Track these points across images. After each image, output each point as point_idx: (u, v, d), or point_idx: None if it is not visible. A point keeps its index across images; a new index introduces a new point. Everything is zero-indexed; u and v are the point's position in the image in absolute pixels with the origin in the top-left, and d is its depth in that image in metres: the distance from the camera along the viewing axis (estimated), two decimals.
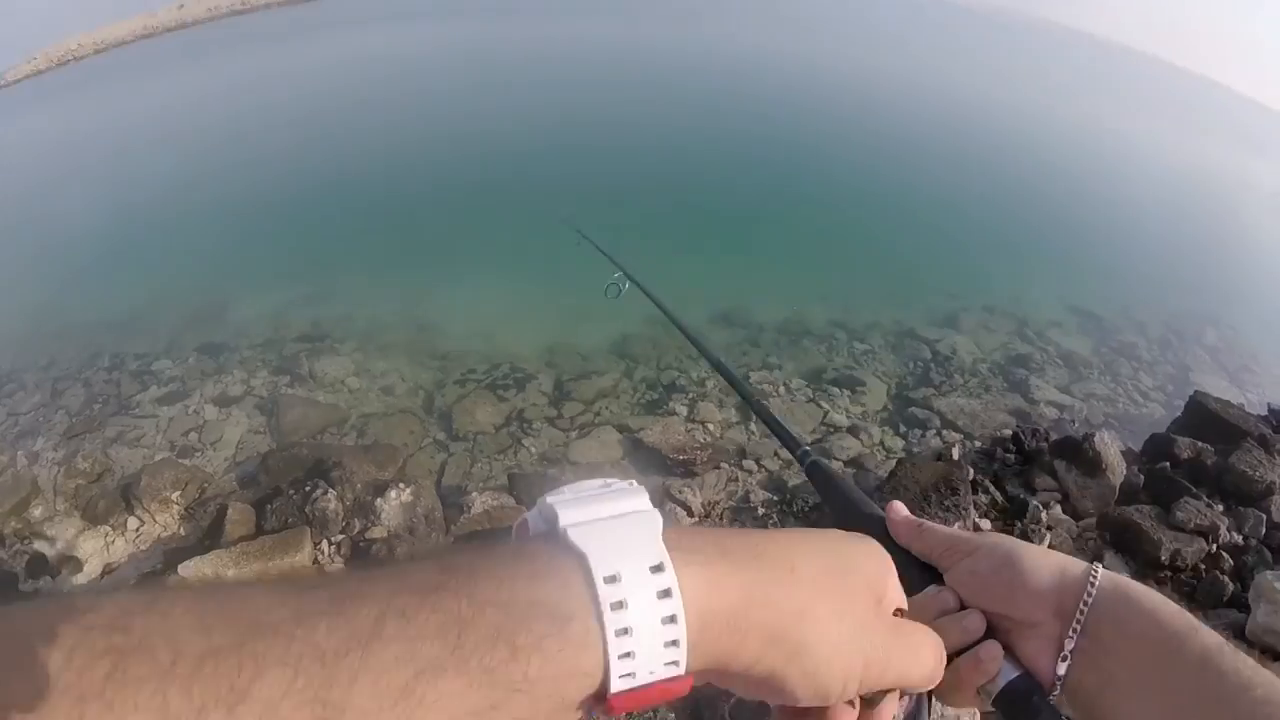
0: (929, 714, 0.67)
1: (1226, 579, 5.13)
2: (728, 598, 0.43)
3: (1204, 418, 7.11)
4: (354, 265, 10.81)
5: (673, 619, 0.40)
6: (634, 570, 0.40)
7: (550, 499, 0.44)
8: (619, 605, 0.39)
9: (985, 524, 5.76)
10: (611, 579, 0.40)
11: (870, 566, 0.53)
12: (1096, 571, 0.66)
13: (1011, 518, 5.77)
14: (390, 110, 19.54)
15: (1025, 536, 5.32)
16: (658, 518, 0.44)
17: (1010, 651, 0.66)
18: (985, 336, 9.51)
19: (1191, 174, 18.97)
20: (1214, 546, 5.49)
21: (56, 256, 12.29)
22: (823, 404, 7.80)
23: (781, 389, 8.06)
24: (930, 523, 0.75)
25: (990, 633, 0.67)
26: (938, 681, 0.56)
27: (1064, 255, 12.89)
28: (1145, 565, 5.35)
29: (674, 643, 0.40)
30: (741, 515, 6.08)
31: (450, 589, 0.37)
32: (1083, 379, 8.88)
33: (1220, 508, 5.86)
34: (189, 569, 5.24)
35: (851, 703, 0.51)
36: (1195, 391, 7.59)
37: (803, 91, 24.42)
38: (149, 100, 24.05)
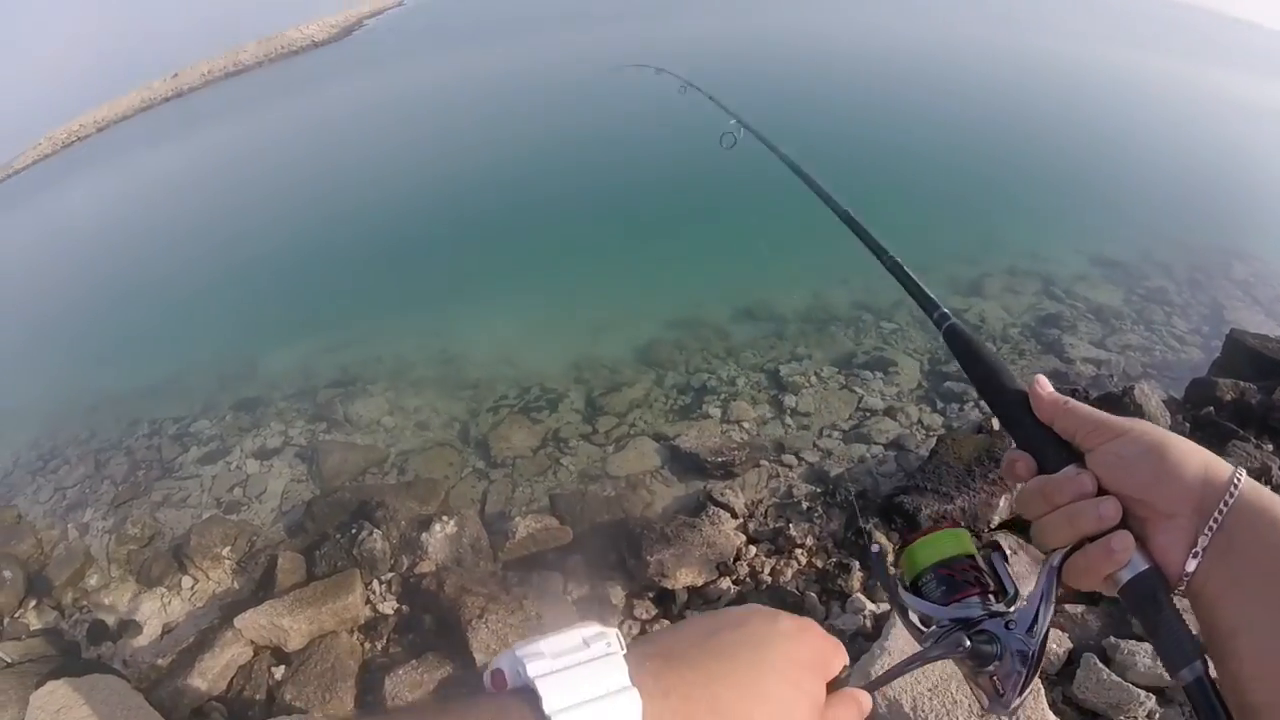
0: (1054, 596, 0.69)
1: None
2: None
3: (1243, 355, 6.96)
4: (373, 307, 10.92)
5: None
6: None
7: (530, 668, 0.47)
8: None
9: None
10: None
11: (816, 684, 0.57)
12: (1241, 474, 0.66)
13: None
14: (385, 152, 19.76)
15: None
16: (635, 698, 0.47)
17: (1141, 543, 0.66)
18: (1012, 299, 9.37)
19: (1202, 106, 18.58)
20: (1269, 487, 5.37)
21: (84, 332, 12.57)
22: (856, 389, 7.72)
23: (813, 378, 7.98)
24: (1076, 401, 0.74)
25: (1124, 521, 0.67)
26: None
27: (1078, 204, 12.65)
28: None
29: None
30: (787, 511, 6.04)
31: None
32: (1116, 331, 8.70)
33: (1270, 447, 5.71)
34: (244, 620, 5.32)
35: None
36: (1231, 330, 7.43)
37: (786, 61, 24.13)
38: (154, 170, 24.54)
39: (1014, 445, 0.78)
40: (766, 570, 5.43)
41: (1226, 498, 0.64)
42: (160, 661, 5.48)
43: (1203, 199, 13.09)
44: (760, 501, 6.26)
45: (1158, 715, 3.54)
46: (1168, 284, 9.80)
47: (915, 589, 0.75)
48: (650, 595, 5.35)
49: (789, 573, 5.38)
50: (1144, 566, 0.65)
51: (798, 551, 5.53)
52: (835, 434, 7.14)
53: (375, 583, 5.80)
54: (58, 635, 6.05)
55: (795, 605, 5.05)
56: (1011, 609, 0.71)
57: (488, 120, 20.89)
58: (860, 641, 4.48)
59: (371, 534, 6.03)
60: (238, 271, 13.43)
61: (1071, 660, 3.84)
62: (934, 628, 0.72)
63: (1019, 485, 0.76)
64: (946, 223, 11.59)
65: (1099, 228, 11.47)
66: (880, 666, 3.44)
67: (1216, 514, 0.64)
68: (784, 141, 2.01)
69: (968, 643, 0.68)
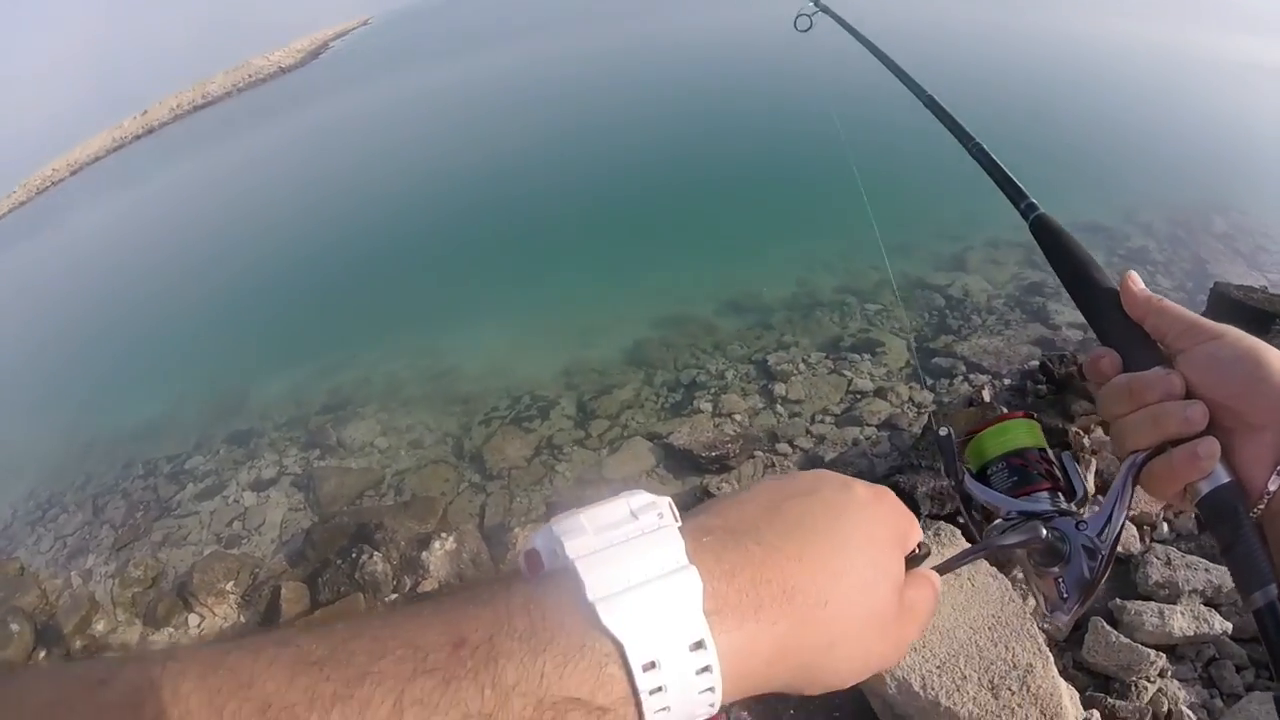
0: (1129, 500, 0.67)
1: None
2: (762, 655, 0.43)
3: (1228, 308, 6.94)
4: (359, 329, 10.93)
5: (710, 689, 0.40)
6: (674, 652, 0.39)
7: (569, 546, 0.41)
8: (657, 690, 0.38)
9: None
10: (650, 665, 0.38)
11: (896, 556, 0.52)
12: None
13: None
14: (360, 172, 19.79)
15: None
16: (695, 577, 0.41)
17: (1225, 454, 0.63)
18: (995, 271, 9.37)
19: (1172, 63, 18.56)
20: None
21: (72, 376, 12.53)
22: (845, 373, 7.72)
23: (801, 365, 7.97)
24: (1169, 301, 0.72)
25: (1210, 429, 0.63)
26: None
27: (1055, 169, 12.63)
28: None
29: (711, 705, 0.40)
30: None
31: (471, 675, 0.35)
32: None
33: None
34: None
35: None
36: (1215, 283, 7.41)
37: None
38: (130, 207, 24.53)
39: (1099, 344, 0.75)
40: None
41: None
42: None
43: (1180, 156, 13.08)
44: None
45: (1170, 673, 3.55)
46: (1149, 243, 9.81)
47: (983, 479, 0.72)
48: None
49: None
50: (1226, 479, 0.62)
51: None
52: (827, 419, 7.14)
53: (379, 605, 5.78)
54: None
55: None
56: (1082, 510, 0.69)
57: (462, 134, 20.89)
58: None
59: (372, 557, 6.02)
60: (222, 303, 13.43)
61: (1079, 625, 3.84)
62: (999, 520, 0.70)
63: (1102, 385, 0.72)
64: (926, 199, 11.62)
65: (1078, 192, 11.46)
66: None
67: None
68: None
69: (1044, 532, 0.64)
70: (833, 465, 6.34)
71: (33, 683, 0.33)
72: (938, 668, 3.29)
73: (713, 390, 7.82)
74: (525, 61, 28.74)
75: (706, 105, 18.34)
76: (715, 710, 0.41)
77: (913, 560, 0.55)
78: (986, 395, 6.74)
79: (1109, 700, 3.56)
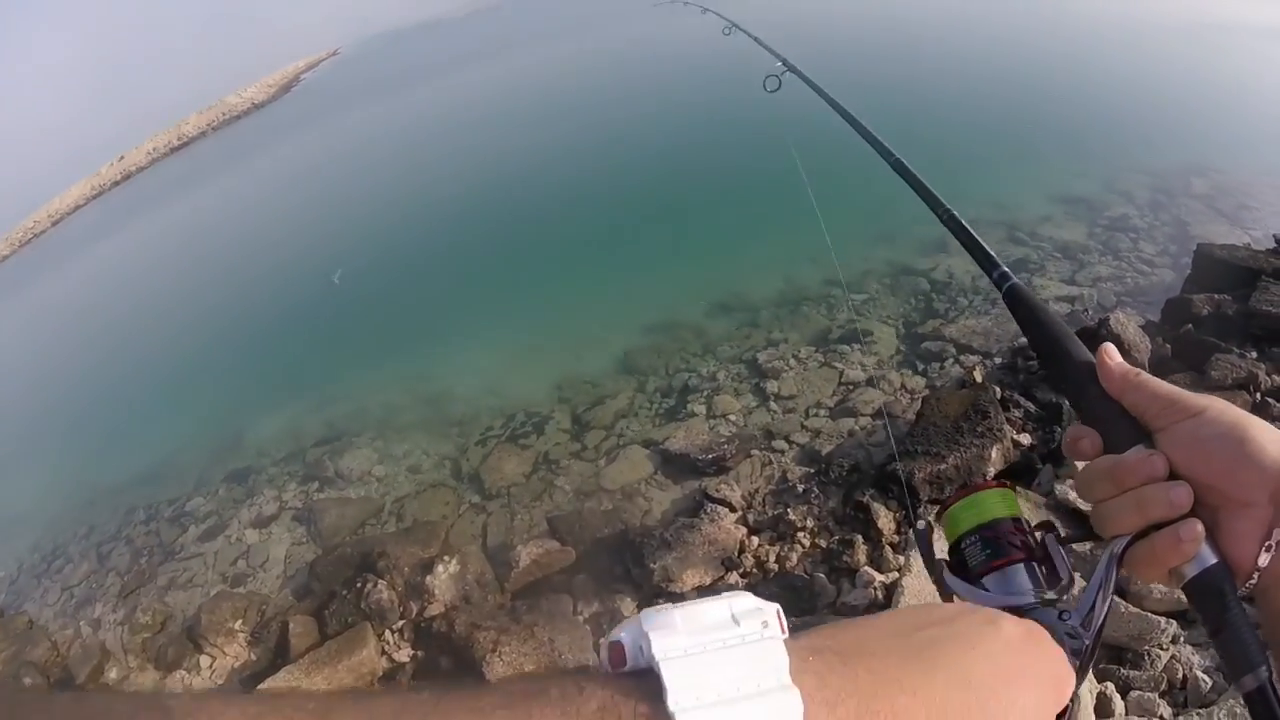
0: (1112, 586, 0.64)
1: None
2: None
3: (1214, 268, 6.98)
4: (350, 359, 10.93)
5: None
6: None
7: (657, 645, 0.37)
8: None
9: (1024, 439, 5.69)
10: None
11: (1044, 698, 0.48)
12: None
13: (1049, 424, 5.70)
14: (340, 202, 19.84)
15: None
16: (795, 702, 0.36)
17: (1211, 533, 0.61)
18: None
19: (1144, 25, 18.60)
20: (1258, 396, 5.36)
21: (69, 428, 12.54)
22: (836, 365, 7.74)
23: (792, 361, 7.99)
24: (1149, 375, 0.69)
25: (1194, 509, 0.62)
26: None
27: (1031, 145, 12.69)
28: None
29: None
30: (784, 496, 6.06)
31: None
32: (1085, 265, 8.72)
33: (1254, 354, 5.72)
34: (265, 690, 5.28)
35: None
36: (1199, 244, 7.44)
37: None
38: (112, 255, 24.55)
39: (1077, 420, 0.73)
40: (772, 559, 5.45)
41: None
42: None
43: (1154, 119, 13.11)
44: (756, 491, 6.28)
45: (1182, 638, 3.54)
46: (1130, 210, 9.81)
47: (958, 551, 0.70)
48: (660, 602, 5.32)
49: (794, 558, 5.40)
50: (1212, 560, 0.60)
51: (800, 535, 5.55)
52: (821, 412, 7.16)
53: (387, 633, 5.79)
54: None
55: (805, 588, 5.07)
56: (1065, 596, 0.67)
57: (441, 158, 20.93)
58: (874, 613, 4.49)
59: (377, 585, 6.01)
60: (211, 342, 13.44)
61: None
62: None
63: (1081, 464, 0.70)
64: (902, 185, 11.61)
65: (1056, 166, 11.50)
66: None
67: None
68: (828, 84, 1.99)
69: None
70: (830, 458, 6.36)
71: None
72: None
73: (705, 393, 7.84)
74: (498, 87, 28.81)
75: (675, 118, 18.43)
76: None
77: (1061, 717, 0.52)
78: (978, 376, 6.77)
79: (1122, 671, 3.56)
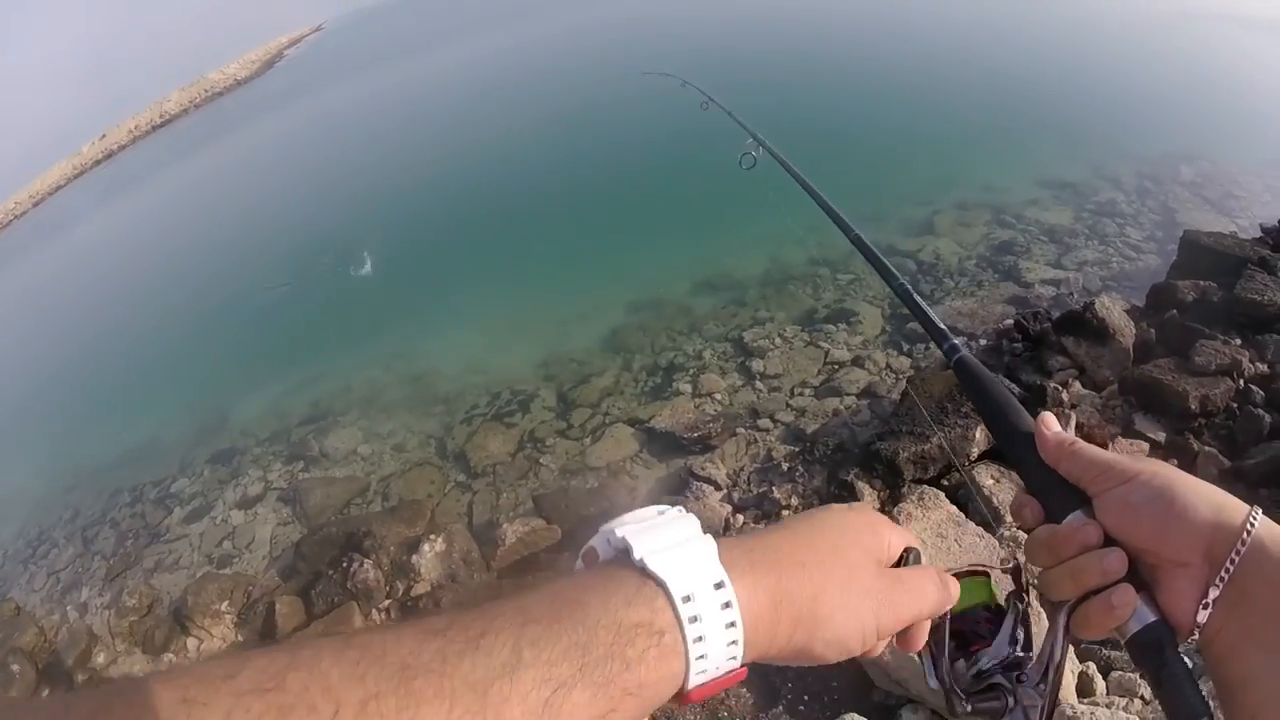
0: (1066, 648, 0.68)
1: (1261, 412, 5.02)
2: (763, 600, 0.53)
3: (1199, 255, 7.00)
4: (333, 338, 10.87)
5: (732, 624, 0.50)
6: (703, 589, 0.50)
7: (619, 531, 0.53)
8: (694, 619, 0.49)
9: None
10: (687, 598, 0.49)
11: (865, 534, 0.62)
12: (1256, 516, 0.61)
13: (1032, 406, 5.70)
14: (327, 177, 19.65)
15: None
16: (711, 541, 0.53)
17: (1150, 591, 0.63)
18: (964, 233, 9.41)
19: (1132, 14, 18.61)
20: (1241, 382, 5.41)
21: (50, 412, 12.42)
22: (821, 344, 7.76)
23: (778, 339, 8.02)
24: (1084, 444, 0.71)
25: (1132, 570, 0.63)
26: (947, 606, 0.65)
27: (1020, 130, 12.70)
28: (1177, 419, 5.28)
29: (733, 642, 0.50)
30: (769, 475, 6.07)
31: (567, 617, 0.45)
32: (1071, 249, 8.76)
33: (1238, 341, 5.75)
34: None
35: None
36: (1185, 231, 7.46)
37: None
38: (92, 234, 24.28)
39: (1024, 488, 0.75)
40: None
41: (1239, 545, 0.60)
42: None
43: (1144, 107, 13.13)
44: (741, 469, 6.30)
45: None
46: (1117, 196, 9.85)
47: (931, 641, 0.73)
48: None
49: None
50: (1151, 619, 0.62)
51: (784, 513, 5.56)
52: (807, 391, 7.18)
53: (374, 612, 5.79)
54: None
55: None
56: (1028, 654, 0.69)
57: (425, 135, 20.75)
58: None
59: (363, 564, 6.01)
60: (193, 323, 13.34)
61: None
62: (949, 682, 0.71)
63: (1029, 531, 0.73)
64: (894, 166, 11.64)
65: (1045, 152, 11.52)
66: None
67: (1229, 563, 0.60)
68: (800, 149, 2.02)
69: (968, 708, 0.68)
70: (815, 437, 6.39)
71: (160, 684, 0.37)
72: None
73: (691, 371, 7.85)
74: (485, 60, 28.53)
75: (664, 92, 18.28)
76: (738, 664, 0.51)
77: (904, 561, 0.65)
78: None
79: (1104, 651, 3.61)
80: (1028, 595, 0.75)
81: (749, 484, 6.08)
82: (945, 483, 5.32)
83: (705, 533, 0.54)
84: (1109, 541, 0.65)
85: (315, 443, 8.38)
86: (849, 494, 5.45)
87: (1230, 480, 4.65)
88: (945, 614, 0.69)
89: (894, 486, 5.39)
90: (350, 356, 10.09)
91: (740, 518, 5.69)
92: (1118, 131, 11.95)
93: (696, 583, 0.50)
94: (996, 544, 3.93)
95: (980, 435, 5.47)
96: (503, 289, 10.70)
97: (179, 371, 11.81)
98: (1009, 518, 4.56)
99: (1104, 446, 5.04)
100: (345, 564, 6.06)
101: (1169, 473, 0.65)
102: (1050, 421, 0.72)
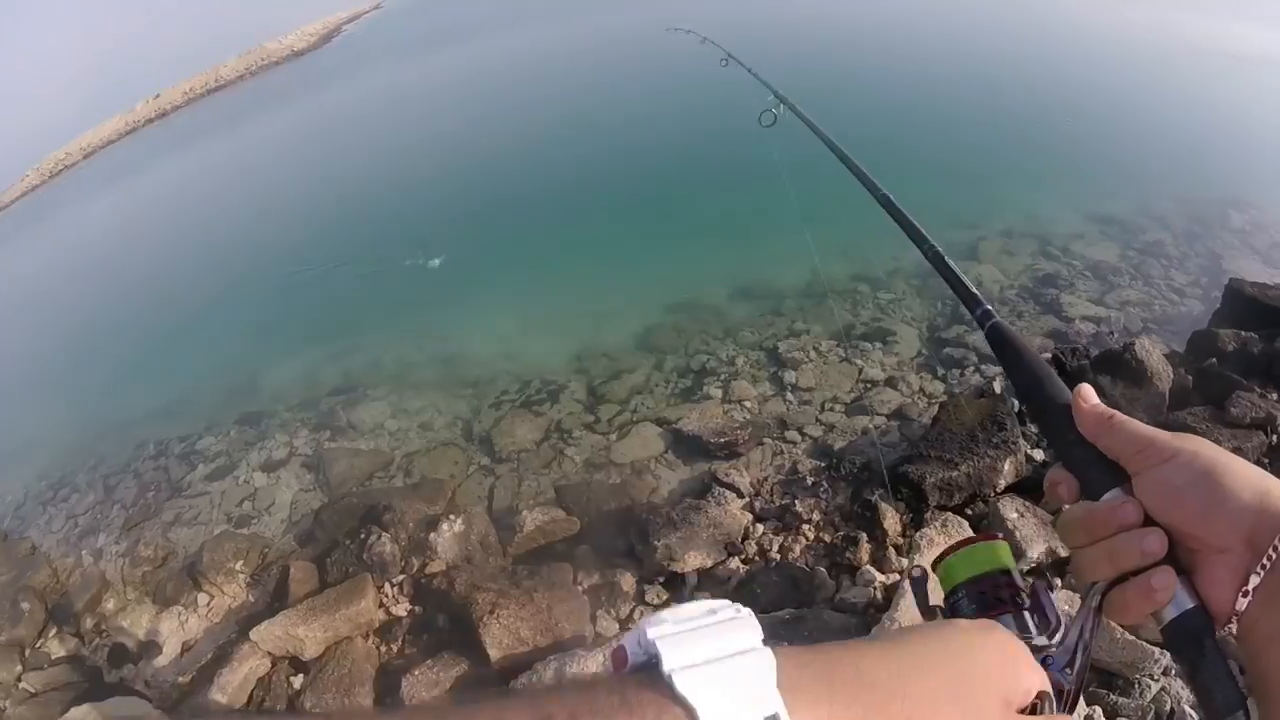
0: (1094, 633, 0.66)
1: None
2: None
3: (1244, 305, 6.87)
4: (371, 312, 10.98)
5: None
6: None
7: (651, 632, 0.43)
8: None
9: (1038, 454, 5.63)
10: None
11: (996, 673, 0.53)
12: None
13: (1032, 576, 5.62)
14: (374, 153, 19.80)
15: None
16: (769, 658, 0.43)
17: (1190, 576, 0.61)
18: (1008, 261, 9.31)
19: (1194, 56, 18.34)
20: (1274, 438, 5.29)
21: (86, 360, 12.65)
22: (856, 361, 7.70)
23: (812, 353, 7.97)
24: (1124, 417, 0.69)
25: (1170, 553, 0.62)
26: None
27: (1070, 161, 12.53)
28: None
29: None
30: (792, 488, 6.04)
31: None
32: (1114, 287, 8.63)
33: (1275, 396, 5.63)
34: (260, 632, 5.35)
35: None
36: (1230, 279, 7.32)
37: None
38: (143, 191, 24.62)
39: (1059, 463, 0.73)
40: (775, 548, 5.44)
41: None
42: (181, 680, 5.52)
43: (1198, 150, 12.93)
44: (765, 479, 6.27)
45: (1173, 671, 3.51)
46: (1164, 237, 9.69)
47: (952, 600, 0.72)
48: (660, 580, 5.37)
49: (797, 549, 5.39)
50: (1189, 605, 0.61)
51: (805, 527, 5.54)
52: (837, 407, 7.13)
53: (387, 586, 5.81)
54: (79, 662, 6.10)
55: (805, 581, 5.07)
56: (1054, 640, 0.68)
57: (477, 119, 20.84)
58: (871, 613, 4.49)
59: (380, 538, 6.04)
60: (233, 288, 13.49)
61: None
62: None
63: (1063, 508, 0.71)
64: (942, 188, 11.52)
65: (1094, 186, 11.37)
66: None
67: (1271, 550, 0.58)
68: (824, 118, 1.98)
69: None
70: (842, 454, 6.34)
71: None
72: None
73: (723, 376, 7.82)
74: (541, 49, 28.59)
75: (721, 95, 18.26)
76: None
77: (1032, 711, 0.56)
78: (998, 387, 6.71)
79: (1111, 697, 3.55)
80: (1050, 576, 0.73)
81: (772, 495, 6.04)
82: (969, 511, 5.25)
83: (766, 644, 0.44)
84: (1148, 522, 0.63)
85: (343, 413, 8.44)
86: (872, 514, 5.40)
87: None
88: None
89: (918, 511, 5.34)
90: (385, 332, 10.15)
91: (760, 527, 5.66)
92: (1170, 171, 11.75)
93: (737, 713, 0.40)
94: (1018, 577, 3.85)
95: (1009, 467, 5.40)
96: (540, 278, 10.71)
97: (215, 331, 11.95)
98: (1030, 552, 4.50)
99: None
100: (363, 536, 6.09)
101: (1213, 453, 0.63)
102: (1089, 394, 0.71)
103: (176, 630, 6.09)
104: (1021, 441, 5.60)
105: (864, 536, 5.25)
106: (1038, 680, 0.57)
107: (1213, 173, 11.66)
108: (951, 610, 0.71)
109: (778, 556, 5.37)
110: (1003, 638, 0.58)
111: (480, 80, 25.58)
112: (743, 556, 5.42)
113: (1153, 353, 6.21)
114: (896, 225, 1.22)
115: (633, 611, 5.23)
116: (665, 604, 5.21)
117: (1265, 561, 0.58)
